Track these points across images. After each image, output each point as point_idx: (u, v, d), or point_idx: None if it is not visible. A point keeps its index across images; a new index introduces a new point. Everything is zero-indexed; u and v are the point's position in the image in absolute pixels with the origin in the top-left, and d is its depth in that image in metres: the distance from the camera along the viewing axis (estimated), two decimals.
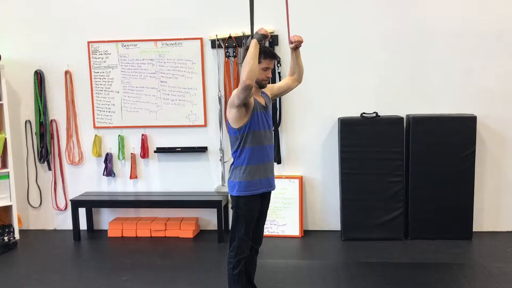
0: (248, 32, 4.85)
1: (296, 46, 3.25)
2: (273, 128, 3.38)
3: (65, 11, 5.11)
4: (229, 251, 3.22)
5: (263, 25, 4.79)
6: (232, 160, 3.21)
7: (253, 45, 2.93)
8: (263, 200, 3.27)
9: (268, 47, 3.23)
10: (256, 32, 3.04)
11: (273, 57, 3.14)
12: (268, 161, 3.21)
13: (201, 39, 4.99)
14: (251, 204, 3.16)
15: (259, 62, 3.05)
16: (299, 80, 3.46)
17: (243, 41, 4.87)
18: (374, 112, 4.75)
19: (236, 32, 4.89)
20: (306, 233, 5.03)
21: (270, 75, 3.17)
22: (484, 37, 4.74)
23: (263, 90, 3.24)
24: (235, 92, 3.00)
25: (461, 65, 4.79)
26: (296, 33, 3.27)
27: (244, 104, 2.99)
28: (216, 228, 4.97)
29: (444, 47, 4.79)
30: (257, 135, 3.12)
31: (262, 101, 3.21)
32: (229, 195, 3.57)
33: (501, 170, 4.88)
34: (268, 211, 4.91)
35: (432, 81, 4.84)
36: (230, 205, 3.54)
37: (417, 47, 4.82)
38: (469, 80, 4.79)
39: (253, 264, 3.40)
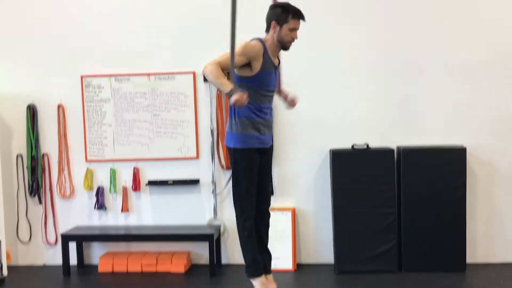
0: None
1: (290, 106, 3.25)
2: (275, 89, 3.36)
3: (59, 46, 5.18)
4: (235, 215, 3.12)
5: None
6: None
7: (224, 87, 2.92)
8: (262, 155, 3.17)
9: (296, 7, 3.11)
10: (236, 90, 2.93)
11: (302, 17, 3.06)
12: (265, 118, 3.13)
13: (193, 73, 5.06)
14: (249, 157, 3.03)
15: (286, 22, 3.00)
16: None
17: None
18: (365, 144, 4.79)
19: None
20: (299, 267, 4.97)
21: (296, 36, 3.09)
22: (471, 69, 4.84)
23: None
24: (218, 57, 3.02)
25: (449, 97, 4.87)
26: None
27: (245, 60, 2.99)
28: (208, 263, 4.90)
29: (433, 78, 4.88)
30: (259, 93, 3.04)
31: (276, 61, 3.18)
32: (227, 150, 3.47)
33: (492, 200, 4.90)
34: None
35: (421, 113, 4.91)
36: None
37: (406, 79, 4.91)
38: (458, 112, 4.87)
39: (265, 227, 3.27)
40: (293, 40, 3.11)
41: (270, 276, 3.39)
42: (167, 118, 5.11)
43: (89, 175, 5.21)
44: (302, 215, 5.07)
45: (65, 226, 5.25)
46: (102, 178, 5.23)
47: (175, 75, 5.09)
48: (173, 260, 4.97)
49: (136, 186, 5.16)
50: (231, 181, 3.18)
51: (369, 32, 4.92)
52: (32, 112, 5.20)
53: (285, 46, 3.12)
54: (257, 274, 3.29)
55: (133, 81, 5.12)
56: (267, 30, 3.11)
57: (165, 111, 5.12)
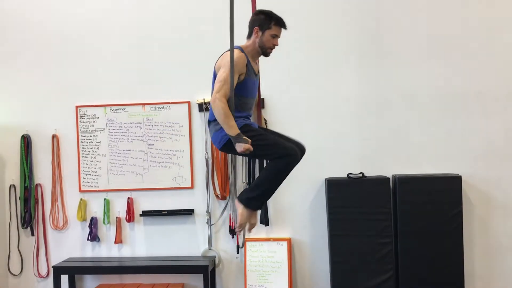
0: None
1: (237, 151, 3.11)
2: (256, 97, 3.34)
3: (54, 76, 5.20)
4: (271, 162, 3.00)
5: None
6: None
7: (232, 131, 2.91)
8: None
9: (278, 15, 3.17)
10: (243, 138, 2.95)
11: (284, 25, 3.10)
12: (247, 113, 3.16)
13: (188, 102, 5.08)
14: (252, 128, 3.00)
15: (269, 28, 3.03)
16: None
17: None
18: (361, 173, 4.78)
19: None
20: None
21: (277, 43, 3.12)
22: (465, 98, 4.88)
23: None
24: (219, 77, 2.96)
25: (443, 126, 4.90)
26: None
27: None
28: None
29: (426, 108, 4.91)
30: (241, 100, 3.04)
31: (256, 68, 3.18)
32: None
33: (489, 230, 4.87)
34: (257, 275, 4.83)
35: (415, 142, 4.92)
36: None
37: (399, 108, 4.94)
38: (452, 141, 4.88)
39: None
40: (274, 46, 3.17)
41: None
42: (161, 148, 5.10)
43: (82, 206, 5.15)
44: (298, 246, 5.01)
45: (57, 258, 5.16)
46: (95, 208, 5.17)
47: (170, 105, 5.10)
48: None
49: (130, 216, 5.10)
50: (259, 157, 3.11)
51: (361, 62, 4.97)
52: (26, 142, 5.18)
53: (265, 52, 3.17)
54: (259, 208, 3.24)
55: (128, 111, 5.13)
56: (249, 36, 3.15)
57: (160, 141, 5.11)
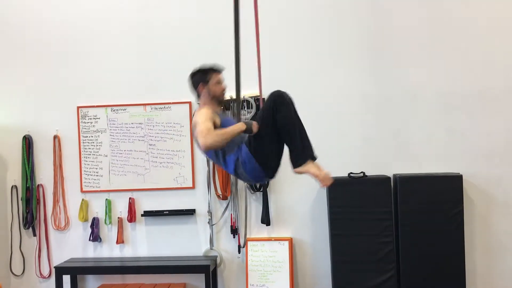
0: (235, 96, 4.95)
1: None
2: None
3: (55, 77, 5.21)
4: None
5: (251, 88, 4.93)
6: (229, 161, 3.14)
7: (241, 127, 2.97)
8: None
9: (210, 63, 3.24)
10: (250, 122, 3.04)
11: (219, 70, 3.21)
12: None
13: (189, 102, 5.09)
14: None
15: (210, 79, 3.13)
16: None
17: (231, 104, 4.97)
18: (362, 172, 4.79)
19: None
20: None
21: (224, 86, 3.22)
22: (466, 97, 4.88)
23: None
24: (200, 126, 2.95)
25: (444, 126, 4.90)
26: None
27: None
28: None
29: (427, 107, 4.92)
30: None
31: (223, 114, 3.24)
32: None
33: (490, 229, 4.87)
34: (258, 275, 4.84)
35: (416, 141, 4.92)
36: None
37: (400, 107, 4.94)
38: (453, 140, 4.89)
39: None
40: (224, 90, 3.21)
41: None
42: (163, 148, 5.11)
43: (84, 206, 5.16)
44: (299, 245, 5.01)
45: (59, 259, 5.17)
46: (97, 209, 5.18)
47: (171, 105, 5.11)
48: None
49: (131, 217, 5.11)
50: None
51: (363, 61, 4.98)
52: (27, 143, 5.19)
53: (220, 100, 3.25)
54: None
55: (129, 111, 5.14)
56: (199, 97, 3.23)
57: (161, 141, 5.12)
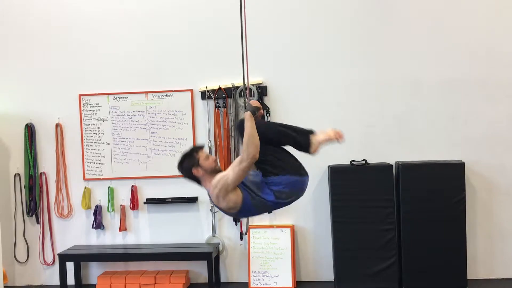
0: (237, 83, 4.95)
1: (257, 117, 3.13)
2: None
3: (57, 65, 5.20)
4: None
5: (252, 75, 4.92)
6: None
7: (250, 119, 2.95)
8: None
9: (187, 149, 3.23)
10: (249, 104, 3.07)
11: (200, 147, 3.16)
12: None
13: (191, 90, 5.08)
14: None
15: (198, 160, 3.04)
16: None
17: (232, 92, 4.96)
18: (364, 160, 4.78)
19: (226, 83, 4.99)
20: (299, 285, 4.92)
21: (214, 157, 3.18)
22: (468, 84, 4.86)
23: None
24: (225, 175, 2.92)
25: (446, 113, 4.89)
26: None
27: None
28: (207, 281, 4.86)
29: (429, 95, 4.90)
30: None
31: None
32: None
33: (491, 216, 4.87)
34: (260, 262, 4.85)
35: (418, 129, 4.91)
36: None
37: (403, 95, 4.92)
38: (455, 127, 4.87)
39: None
40: (215, 162, 3.15)
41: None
42: (165, 136, 5.11)
43: (87, 194, 5.19)
44: (301, 232, 5.03)
45: (62, 246, 5.20)
46: (100, 196, 5.21)
47: (172, 93, 5.10)
48: (172, 279, 4.91)
49: (134, 204, 5.13)
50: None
51: (365, 49, 4.95)
52: (30, 131, 5.20)
53: (216, 170, 3.14)
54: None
55: (131, 99, 5.13)
56: (200, 182, 3.15)
57: (163, 129, 5.12)
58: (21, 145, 5.23)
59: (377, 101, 4.94)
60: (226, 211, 3.07)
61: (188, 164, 3.11)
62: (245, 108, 3.14)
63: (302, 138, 3.14)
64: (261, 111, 3.17)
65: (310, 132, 3.17)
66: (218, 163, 3.32)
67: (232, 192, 2.94)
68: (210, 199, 3.10)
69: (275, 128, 3.15)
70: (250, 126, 2.93)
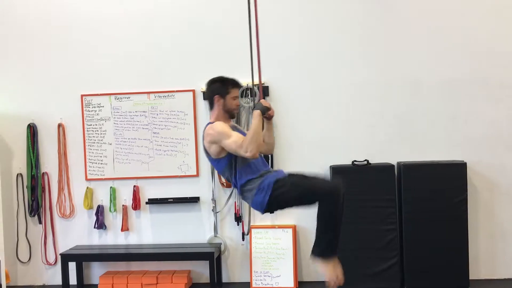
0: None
1: (269, 116, 3.15)
2: None
3: (59, 65, 5.21)
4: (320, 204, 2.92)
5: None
6: (243, 187, 3.10)
7: (258, 117, 2.98)
8: None
9: (231, 77, 3.24)
10: (259, 103, 3.09)
11: (239, 85, 3.22)
12: (259, 172, 3.11)
13: (193, 91, 5.09)
14: (284, 181, 2.97)
15: (228, 93, 3.11)
16: (268, 152, 3.35)
17: None
18: (365, 160, 4.78)
19: None
20: (301, 285, 4.93)
21: (239, 102, 3.24)
22: (469, 85, 4.86)
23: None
24: (228, 139, 2.96)
25: (447, 113, 4.89)
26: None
27: None
28: (209, 281, 4.87)
29: (431, 95, 4.90)
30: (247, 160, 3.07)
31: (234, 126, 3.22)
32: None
33: (493, 216, 4.87)
34: (262, 262, 4.85)
35: (420, 129, 4.91)
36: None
37: (404, 95, 4.92)
38: (456, 127, 4.87)
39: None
40: (237, 107, 3.20)
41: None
42: (166, 136, 5.12)
43: (89, 194, 5.20)
44: (303, 233, 5.04)
45: (64, 246, 5.22)
46: (102, 196, 5.22)
47: (174, 93, 5.11)
48: (174, 279, 4.92)
49: (136, 204, 5.14)
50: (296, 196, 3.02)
51: (366, 49, 4.95)
52: (32, 131, 5.21)
53: (232, 114, 3.21)
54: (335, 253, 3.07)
55: (132, 99, 5.14)
56: (211, 107, 3.20)
57: (165, 129, 5.12)
58: (23, 145, 5.24)
59: (378, 101, 4.95)
60: (210, 155, 3.14)
61: (217, 89, 3.14)
62: (254, 106, 3.15)
63: (327, 250, 3.01)
64: (272, 111, 3.16)
65: (335, 253, 3.02)
66: (235, 124, 3.28)
67: (218, 147, 3.03)
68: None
69: (337, 223, 2.96)
70: (256, 124, 2.94)
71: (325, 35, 4.98)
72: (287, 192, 2.95)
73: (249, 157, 2.91)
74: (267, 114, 3.15)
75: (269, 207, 3.03)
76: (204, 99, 3.23)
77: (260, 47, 3.33)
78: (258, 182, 3.03)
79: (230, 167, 3.10)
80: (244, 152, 2.91)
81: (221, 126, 3.05)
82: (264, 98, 4.84)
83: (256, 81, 3.38)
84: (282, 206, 3.11)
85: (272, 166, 4.98)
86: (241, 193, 3.16)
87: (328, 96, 4.98)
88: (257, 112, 3.01)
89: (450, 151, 4.85)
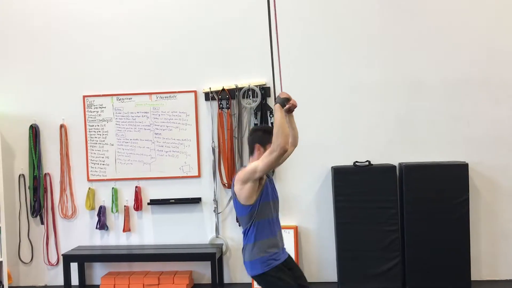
0: (240, 85, 4.97)
1: (289, 109, 3.20)
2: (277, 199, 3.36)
3: (61, 66, 5.22)
4: None
5: (256, 77, 4.93)
6: (244, 240, 3.14)
7: (279, 110, 2.97)
8: (287, 264, 3.18)
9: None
10: (278, 97, 3.09)
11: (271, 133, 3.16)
12: (279, 230, 3.18)
13: (195, 92, 5.09)
14: (282, 274, 3.05)
15: (269, 142, 3.02)
16: (294, 144, 3.37)
17: (236, 93, 4.97)
18: (367, 161, 4.79)
19: (229, 84, 5.00)
20: None
21: None
22: (471, 85, 4.86)
23: None
24: (257, 163, 2.95)
25: (449, 114, 4.88)
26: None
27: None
28: (210, 282, 4.87)
29: (432, 96, 4.90)
30: (267, 206, 3.09)
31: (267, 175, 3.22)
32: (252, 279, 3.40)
33: (495, 217, 4.87)
34: None
35: (422, 130, 4.91)
36: None
37: (406, 96, 4.93)
38: (458, 128, 4.87)
39: None
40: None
41: None
42: (168, 137, 5.13)
43: (91, 195, 5.20)
44: (305, 233, 5.04)
45: (66, 247, 5.22)
46: (103, 197, 5.22)
47: (176, 94, 5.11)
48: (175, 279, 4.93)
49: (137, 205, 5.15)
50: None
51: (368, 50, 4.95)
52: (34, 132, 5.22)
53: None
54: None
55: (134, 100, 5.15)
56: (251, 153, 3.23)
57: (166, 130, 5.13)
58: (25, 146, 5.25)
59: (380, 102, 4.95)
60: (237, 199, 3.10)
61: (258, 138, 3.16)
62: (274, 100, 3.13)
63: None
64: (293, 101, 3.09)
65: None
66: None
67: (254, 183, 2.98)
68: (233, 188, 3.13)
69: None
70: (279, 117, 2.94)
71: (327, 37, 4.99)
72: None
73: (281, 150, 2.86)
74: (292, 107, 3.14)
75: (257, 279, 3.12)
76: (248, 144, 3.23)
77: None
78: (263, 251, 3.07)
79: (249, 217, 3.09)
80: (276, 150, 2.87)
81: (250, 165, 3.06)
82: (262, 100, 4.88)
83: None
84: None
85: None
86: (244, 247, 3.19)
87: (329, 97, 4.98)
88: (277, 106, 3.00)
89: (452, 151, 4.85)
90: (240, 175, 3.05)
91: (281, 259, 3.12)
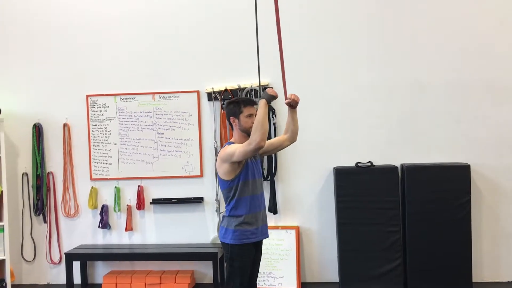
0: (243, 85, 4.98)
1: (290, 104, 3.24)
2: (262, 177, 3.41)
3: (65, 66, 5.25)
4: None
5: (257, 77, 4.92)
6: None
7: (263, 106, 2.99)
8: (257, 248, 3.25)
9: (245, 97, 3.30)
10: (265, 92, 3.11)
11: (252, 103, 3.24)
12: (260, 209, 3.22)
13: (197, 92, 5.11)
14: (246, 254, 3.13)
15: (241, 112, 3.15)
16: (291, 139, 3.41)
17: (239, 93, 4.99)
18: (369, 162, 4.79)
19: (232, 85, 5.01)
20: (304, 286, 4.93)
21: (254, 120, 3.21)
22: (473, 87, 4.86)
23: None
24: (236, 148, 3.03)
25: (451, 115, 4.88)
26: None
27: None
28: (212, 281, 4.88)
29: (435, 97, 4.90)
30: (249, 184, 3.14)
31: None
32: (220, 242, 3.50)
33: (497, 219, 4.87)
34: (265, 263, 4.88)
35: (424, 131, 4.91)
36: (223, 255, 3.52)
37: (408, 97, 4.93)
38: (460, 129, 4.87)
39: None
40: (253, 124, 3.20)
41: None
42: (171, 137, 5.14)
43: (93, 194, 5.23)
44: (306, 234, 5.05)
45: (69, 245, 5.25)
46: (106, 196, 5.24)
47: (179, 94, 5.13)
48: (177, 279, 4.94)
49: (140, 204, 5.17)
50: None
51: (370, 50, 4.96)
52: (38, 131, 5.24)
53: (248, 132, 3.20)
54: None
55: (137, 100, 5.17)
56: (232, 127, 3.30)
57: (169, 130, 5.15)
58: (29, 145, 5.28)
59: (382, 103, 4.95)
60: (218, 173, 3.21)
61: (231, 110, 3.22)
62: (260, 95, 3.17)
63: None
64: (295, 96, 3.15)
65: None
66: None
67: (231, 164, 3.08)
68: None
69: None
70: (262, 113, 2.96)
71: (329, 37, 4.99)
72: (233, 266, 3.16)
73: (256, 146, 2.91)
74: (292, 102, 3.16)
75: (224, 245, 3.21)
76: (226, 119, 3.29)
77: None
78: (238, 225, 3.14)
79: (229, 192, 3.18)
80: (251, 144, 2.93)
81: (230, 147, 3.13)
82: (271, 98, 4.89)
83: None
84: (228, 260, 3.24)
85: (275, 168, 5.00)
86: (223, 216, 3.28)
87: (331, 97, 4.99)
88: (262, 102, 3.01)
89: (453, 153, 4.85)
90: (221, 153, 3.15)
91: (253, 239, 3.16)
